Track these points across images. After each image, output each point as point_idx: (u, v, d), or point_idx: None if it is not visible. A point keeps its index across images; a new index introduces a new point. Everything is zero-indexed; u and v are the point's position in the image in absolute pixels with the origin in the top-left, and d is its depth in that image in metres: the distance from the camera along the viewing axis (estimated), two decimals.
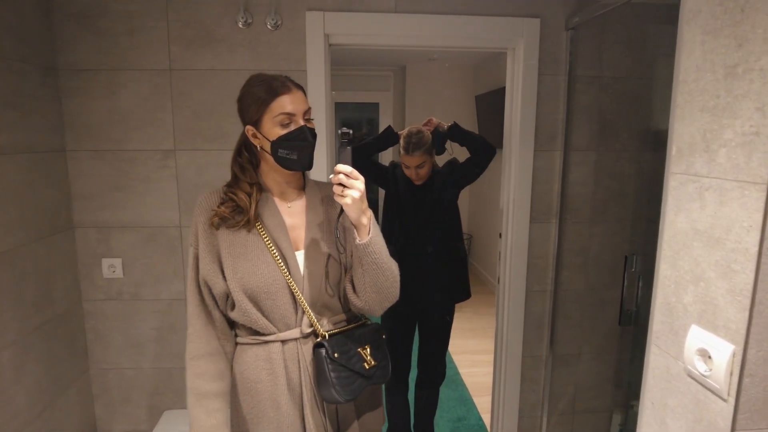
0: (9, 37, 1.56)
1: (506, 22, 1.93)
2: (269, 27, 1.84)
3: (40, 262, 1.71)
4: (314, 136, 1.12)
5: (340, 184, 1.02)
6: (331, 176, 1.03)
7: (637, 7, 1.94)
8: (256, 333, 1.15)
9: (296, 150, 1.09)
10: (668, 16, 1.91)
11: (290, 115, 1.08)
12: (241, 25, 1.83)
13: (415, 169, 2.12)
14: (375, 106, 5.78)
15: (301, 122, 1.09)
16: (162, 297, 2.00)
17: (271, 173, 1.17)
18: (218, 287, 1.13)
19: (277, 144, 1.08)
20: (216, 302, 1.15)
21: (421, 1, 1.89)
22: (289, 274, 1.12)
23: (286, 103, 1.07)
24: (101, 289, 1.97)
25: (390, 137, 2.23)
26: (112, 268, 1.95)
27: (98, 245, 1.94)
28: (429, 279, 2.19)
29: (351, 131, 1.12)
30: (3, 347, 1.52)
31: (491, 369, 2.35)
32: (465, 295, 2.32)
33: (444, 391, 2.85)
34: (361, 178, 1.04)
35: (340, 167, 1.02)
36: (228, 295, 1.14)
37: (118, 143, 1.88)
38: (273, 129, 1.08)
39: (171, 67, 1.85)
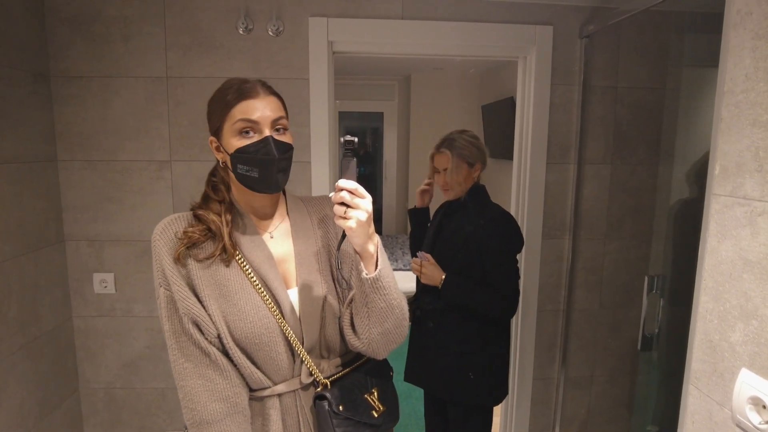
0: None
1: (518, 30, 1.85)
2: (270, 33, 1.77)
3: (26, 276, 1.62)
4: (285, 150, 0.92)
5: (343, 204, 0.85)
6: (332, 194, 0.87)
7: (655, 15, 1.86)
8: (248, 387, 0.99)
9: (257, 166, 0.90)
10: (690, 24, 1.84)
11: (251, 123, 0.90)
12: (241, 32, 1.76)
13: (442, 171, 1.71)
14: (379, 116, 5.70)
15: (267, 132, 0.91)
16: (156, 314, 1.89)
17: (244, 194, 0.99)
18: (212, 330, 0.93)
19: (235, 158, 0.91)
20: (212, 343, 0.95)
21: (429, 7, 1.82)
22: (283, 318, 0.95)
23: (248, 108, 0.90)
24: (92, 305, 1.88)
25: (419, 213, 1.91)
26: (103, 283, 1.86)
27: (89, 259, 1.85)
28: (433, 349, 1.70)
29: (356, 139, 0.94)
30: None
31: None
32: (484, 395, 1.65)
33: None
34: (368, 197, 0.86)
35: (343, 183, 0.84)
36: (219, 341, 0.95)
37: (112, 153, 1.80)
38: (231, 140, 0.92)
39: (167, 75, 1.77)
